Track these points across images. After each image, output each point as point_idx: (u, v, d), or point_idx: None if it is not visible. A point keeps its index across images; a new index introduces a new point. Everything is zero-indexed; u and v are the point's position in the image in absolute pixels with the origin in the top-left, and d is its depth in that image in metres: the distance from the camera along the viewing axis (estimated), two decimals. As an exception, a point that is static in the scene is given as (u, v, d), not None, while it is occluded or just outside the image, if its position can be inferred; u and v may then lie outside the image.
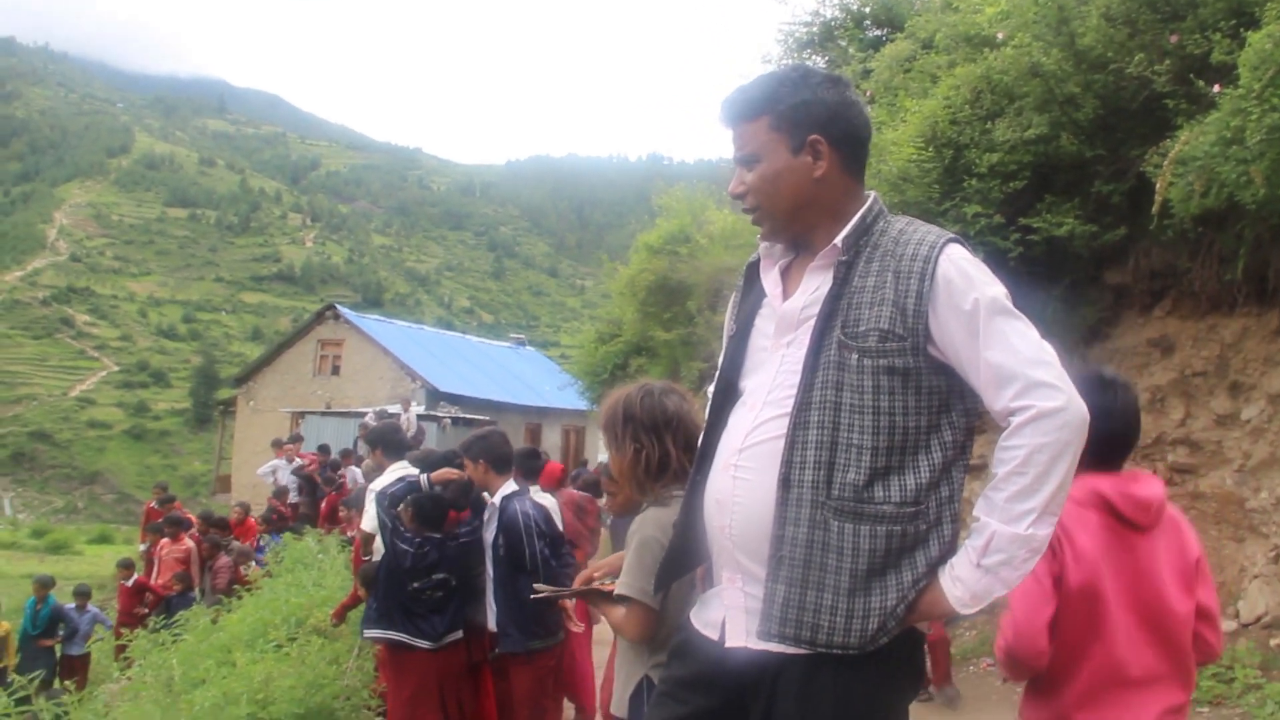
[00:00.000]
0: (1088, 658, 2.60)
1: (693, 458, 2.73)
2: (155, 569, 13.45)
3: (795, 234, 2.33)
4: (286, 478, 16.99)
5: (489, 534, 5.59)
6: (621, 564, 2.91)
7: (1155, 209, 6.81)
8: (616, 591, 2.85)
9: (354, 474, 16.07)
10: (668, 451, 2.93)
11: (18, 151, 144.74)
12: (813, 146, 2.25)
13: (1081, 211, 7.68)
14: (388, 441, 7.21)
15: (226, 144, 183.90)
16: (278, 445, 18.35)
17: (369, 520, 6.37)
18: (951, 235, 2.21)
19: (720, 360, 2.49)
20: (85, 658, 13.57)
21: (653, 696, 2.58)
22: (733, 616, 2.26)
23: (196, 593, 12.70)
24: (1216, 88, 6.55)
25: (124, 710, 7.39)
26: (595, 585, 3.03)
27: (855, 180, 2.31)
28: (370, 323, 39.38)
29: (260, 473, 18.01)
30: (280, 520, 15.62)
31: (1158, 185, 6.78)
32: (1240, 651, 6.69)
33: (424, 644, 5.61)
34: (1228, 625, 6.97)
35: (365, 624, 5.91)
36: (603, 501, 8.37)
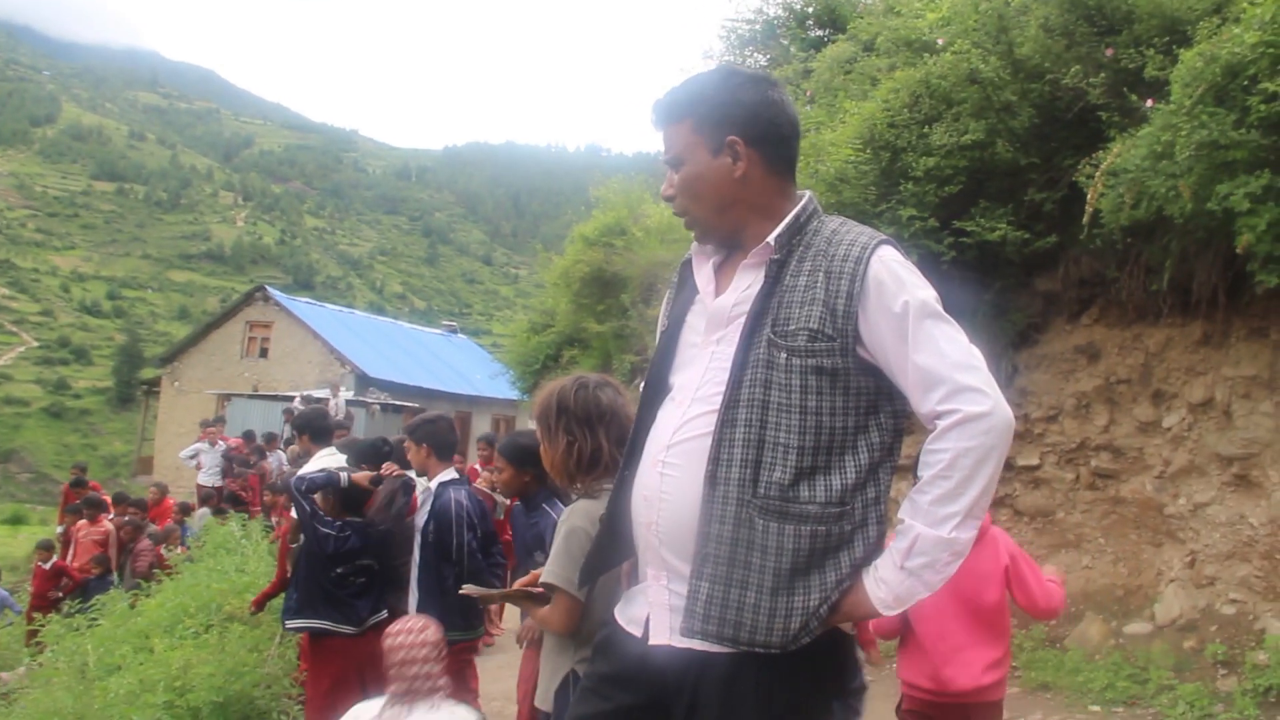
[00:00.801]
0: (922, 631, 4.06)
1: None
2: (72, 551, 13.16)
3: (724, 234, 2.34)
4: (210, 461, 16.70)
5: (420, 518, 5.54)
6: None
7: (1086, 218, 6.93)
8: (542, 580, 2.84)
9: (279, 458, 15.87)
10: (600, 445, 2.95)
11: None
12: (731, 147, 2.26)
13: (1014, 218, 7.78)
14: (315, 427, 7.14)
15: (158, 118, 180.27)
16: (205, 426, 18.05)
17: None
18: (884, 237, 2.22)
19: (652, 355, 2.48)
20: (-11, 643, 13.22)
21: (576, 691, 2.58)
22: (657, 614, 2.26)
23: (115, 576, 12.44)
24: (1149, 102, 6.68)
25: (34, 697, 7.24)
26: (523, 588, 3.01)
27: (783, 179, 2.32)
28: (300, 305, 38.93)
29: (182, 455, 17.67)
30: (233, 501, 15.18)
31: (1089, 195, 6.90)
32: (1155, 653, 6.84)
33: (347, 629, 5.57)
34: (1143, 627, 7.13)
35: (285, 615, 5.83)
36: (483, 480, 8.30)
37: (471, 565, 5.26)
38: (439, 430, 5.64)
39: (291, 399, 22.50)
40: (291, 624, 5.79)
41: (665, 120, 2.34)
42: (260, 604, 7.39)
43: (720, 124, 2.26)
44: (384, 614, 5.69)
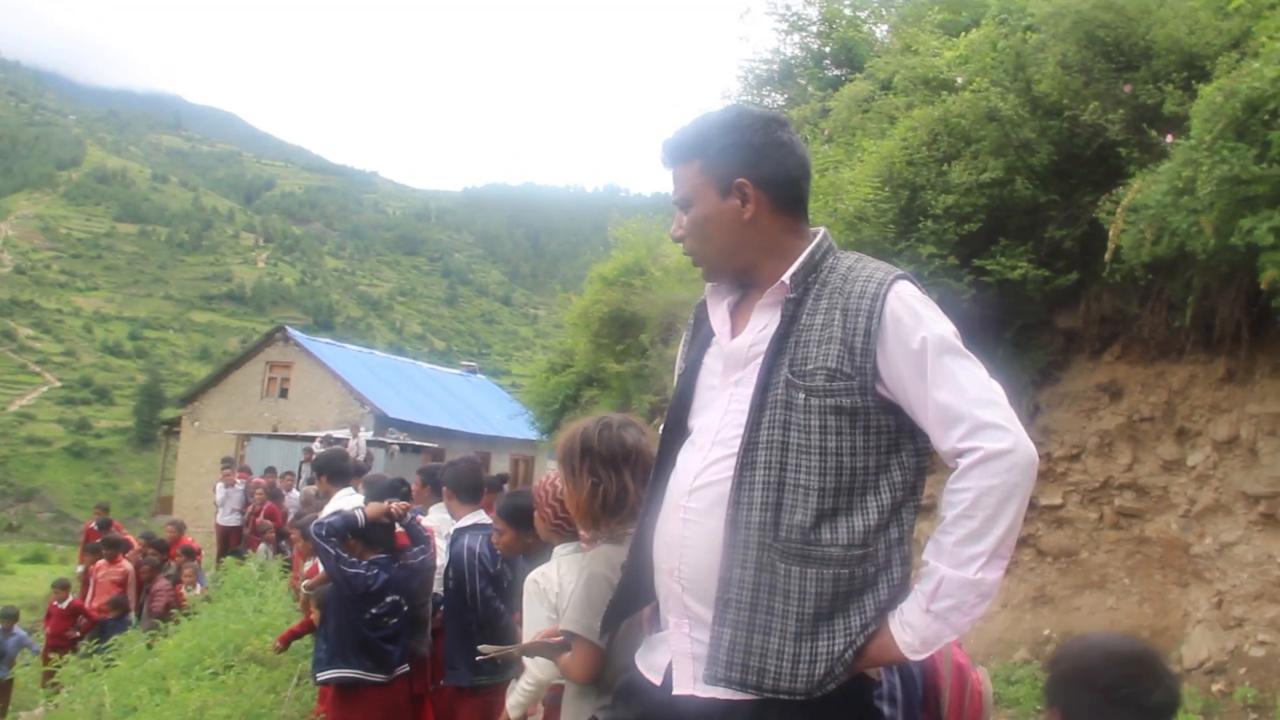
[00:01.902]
0: None
1: None
2: (90, 591, 13.16)
3: (734, 275, 2.32)
4: (228, 502, 16.78)
5: (441, 561, 5.49)
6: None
7: (1107, 255, 6.89)
8: (562, 627, 2.78)
9: (292, 498, 15.90)
10: (625, 486, 2.88)
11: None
12: (739, 189, 2.24)
13: (1034, 256, 7.76)
14: (334, 469, 7.13)
15: (180, 160, 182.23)
16: (224, 467, 18.15)
17: None
18: (901, 272, 2.19)
19: (670, 398, 2.45)
20: (8, 683, 13.20)
21: (596, 738, 2.53)
22: (679, 663, 2.21)
23: (132, 616, 12.43)
24: (1169, 138, 6.66)
25: (51, 738, 7.20)
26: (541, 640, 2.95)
27: (794, 218, 2.30)
28: (320, 346, 39.05)
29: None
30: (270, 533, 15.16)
31: (1110, 232, 6.86)
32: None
33: (378, 678, 5.49)
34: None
35: (316, 667, 5.72)
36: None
37: (486, 613, 5.18)
38: (459, 472, 5.59)
39: (312, 439, 22.52)
40: (323, 676, 5.67)
41: (674, 160, 2.32)
42: (286, 643, 7.32)
43: (728, 166, 2.24)
44: (407, 665, 5.64)
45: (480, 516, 5.48)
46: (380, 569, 5.55)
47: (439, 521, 6.19)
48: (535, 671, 3.65)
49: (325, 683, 5.71)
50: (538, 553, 4.42)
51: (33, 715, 10.39)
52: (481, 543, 5.38)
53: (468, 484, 5.53)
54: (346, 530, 5.52)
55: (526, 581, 3.49)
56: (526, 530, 4.32)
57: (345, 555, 5.52)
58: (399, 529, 5.74)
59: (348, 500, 6.42)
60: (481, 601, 5.21)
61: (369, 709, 5.51)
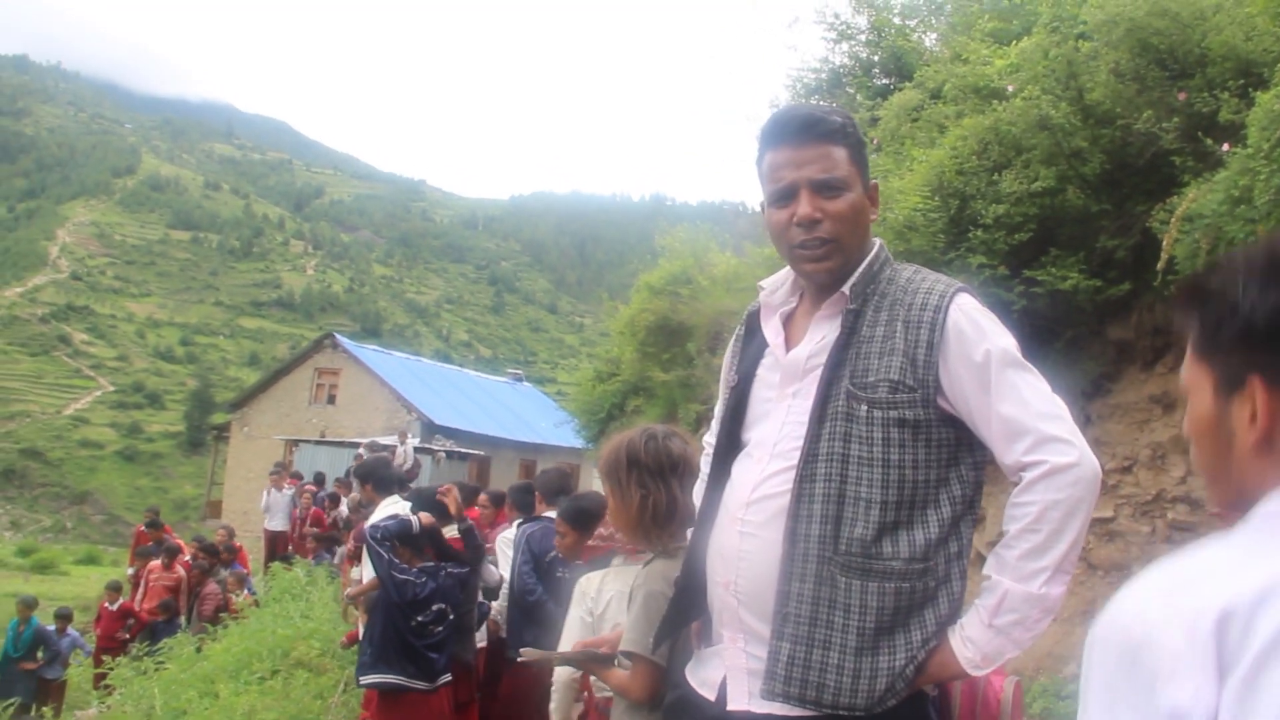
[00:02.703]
0: None
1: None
2: (141, 593, 13.33)
3: (840, 273, 2.22)
4: (277, 506, 16.93)
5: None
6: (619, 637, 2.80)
7: (1161, 265, 6.79)
8: (623, 648, 2.71)
9: (342, 508, 16.02)
10: (674, 497, 2.83)
11: (25, 168, 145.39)
12: (873, 189, 2.26)
13: (1086, 266, 7.66)
14: (378, 477, 7.17)
15: (232, 168, 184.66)
16: (273, 473, 18.33)
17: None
18: (961, 285, 2.18)
19: (720, 410, 2.42)
20: (62, 684, 13.42)
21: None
22: (734, 677, 2.18)
23: (182, 619, 12.58)
24: (1225, 146, 6.55)
25: (103, 739, 7.30)
26: (589, 649, 2.91)
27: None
28: (368, 353, 39.37)
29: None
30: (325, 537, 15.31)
31: (1164, 242, 6.76)
32: None
33: (421, 685, 5.51)
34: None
35: (360, 671, 5.76)
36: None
37: (520, 589, 5.29)
38: (549, 479, 5.97)
39: (358, 445, 22.69)
40: (365, 680, 5.71)
41: (825, 138, 2.19)
42: (353, 640, 7.33)
43: (864, 163, 2.24)
44: (447, 678, 5.65)
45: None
46: (428, 577, 5.58)
47: (502, 541, 6.39)
48: (560, 675, 3.60)
49: (368, 687, 5.76)
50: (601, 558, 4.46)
51: (87, 715, 10.53)
52: (538, 531, 5.50)
53: (554, 488, 5.84)
54: (400, 536, 5.57)
55: (576, 584, 3.48)
56: (588, 533, 4.34)
57: (397, 561, 5.56)
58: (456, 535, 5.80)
59: (394, 508, 6.46)
60: (518, 578, 5.30)
61: (412, 715, 5.53)
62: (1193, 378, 1.28)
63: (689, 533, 2.48)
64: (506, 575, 6.12)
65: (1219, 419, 1.21)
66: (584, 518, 4.43)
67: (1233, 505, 1.20)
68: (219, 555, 14.22)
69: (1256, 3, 7.00)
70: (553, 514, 5.65)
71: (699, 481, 2.53)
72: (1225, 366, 1.19)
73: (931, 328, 2.08)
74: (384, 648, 5.55)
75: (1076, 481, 1.96)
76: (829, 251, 2.19)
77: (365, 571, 6.57)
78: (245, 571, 14.00)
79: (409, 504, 6.53)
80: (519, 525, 5.89)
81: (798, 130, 2.20)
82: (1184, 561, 1.09)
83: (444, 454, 27.94)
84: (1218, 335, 1.21)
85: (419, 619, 5.51)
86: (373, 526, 5.76)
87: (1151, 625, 1.01)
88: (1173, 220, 6.73)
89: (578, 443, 20.76)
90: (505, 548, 6.51)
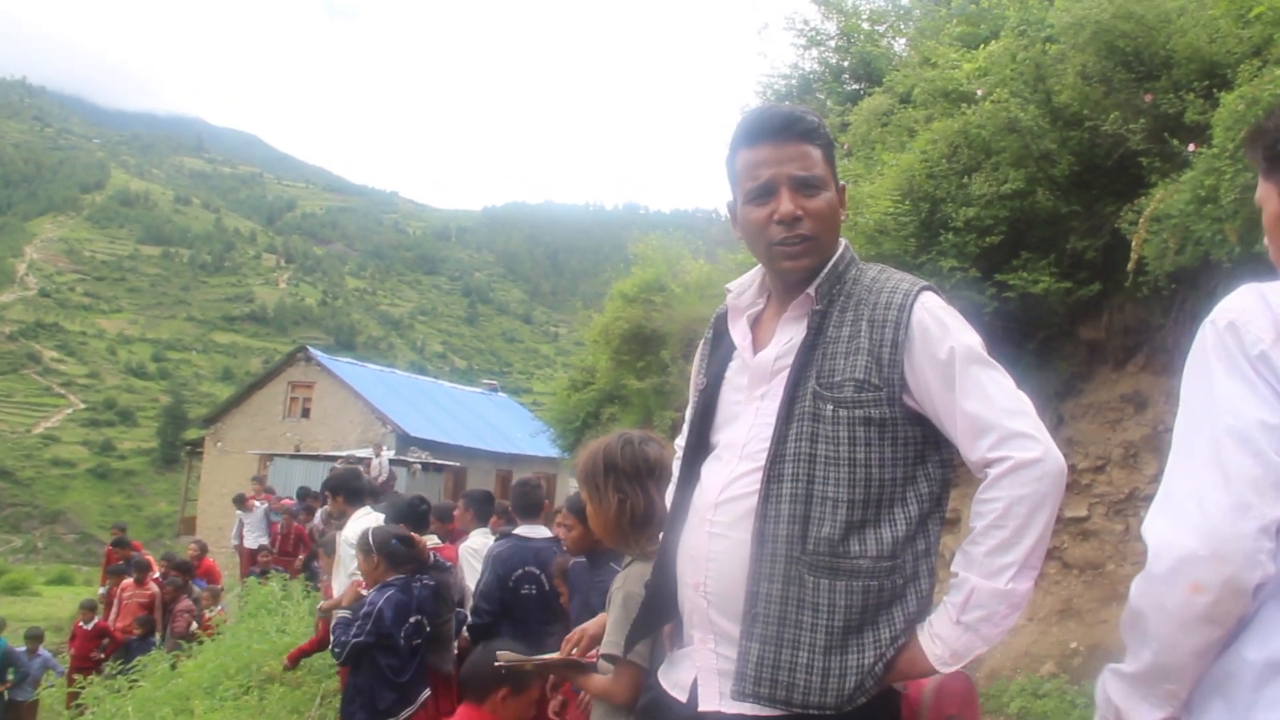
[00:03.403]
0: None
1: None
2: (115, 611, 13.21)
3: (812, 273, 2.23)
4: (251, 524, 16.83)
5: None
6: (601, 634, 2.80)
7: (1130, 265, 6.84)
8: (605, 652, 2.69)
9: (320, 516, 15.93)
10: (652, 500, 2.84)
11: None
12: (842, 191, 2.26)
13: (1056, 268, 7.71)
14: (349, 488, 7.16)
15: (202, 183, 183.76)
16: (242, 497, 18.14)
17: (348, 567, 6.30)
18: (925, 283, 2.18)
19: (689, 413, 2.42)
20: (33, 705, 13.28)
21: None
22: (705, 679, 2.18)
23: (157, 637, 12.46)
24: (1191, 147, 6.61)
25: (75, 759, 7.22)
26: (569, 656, 2.87)
27: None
28: (342, 366, 39.19)
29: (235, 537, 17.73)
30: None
31: (1133, 242, 6.81)
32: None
33: (405, 712, 5.45)
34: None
35: None
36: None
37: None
38: (522, 494, 5.90)
39: (334, 459, 22.58)
40: None
41: (803, 137, 2.20)
42: (295, 660, 7.30)
43: (835, 164, 2.25)
44: (426, 693, 5.60)
45: (535, 529, 5.67)
46: (396, 589, 5.51)
47: (481, 545, 6.32)
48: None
49: None
50: (601, 551, 4.48)
51: (57, 736, 10.42)
52: (507, 550, 5.49)
53: (527, 503, 5.79)
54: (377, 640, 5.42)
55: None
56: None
57: (381, 630, 5.41)
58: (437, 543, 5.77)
59: (365, 519, 6.43)
60: (475, 597, 5.33)
61: None
62: (1263, 193, 1.84)
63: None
64: (470, 586, 6.05)
65: None
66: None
67: None
68: (192, 572, 14.10)
69: (1219, 5, 7.08)
70: (523, 531, 5.62)
71: (670, 485, 2.53)
72: None
73: (896, 326, 2.09)
74: (370, 698, 5.47)
75: (1042, 477, 1.97)
76: (807, 249, 2.20)
77: (337, 583, 6.52)
78: (219, 586, 13.87)
79: (382, 515, 6.50)
80: (495, 539, 5.81)
81: (778, 128, 2.20)
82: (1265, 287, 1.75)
83: (419, 466, 27.82)
84: (1274, 156, 1.77)
85: (402, 636, 5.45)
86: (336, 644, 5.53)
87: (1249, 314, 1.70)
88: (1141, 220, 6.80)
89: (554, 452, 20.75)
90: (470, 558, 6.47)
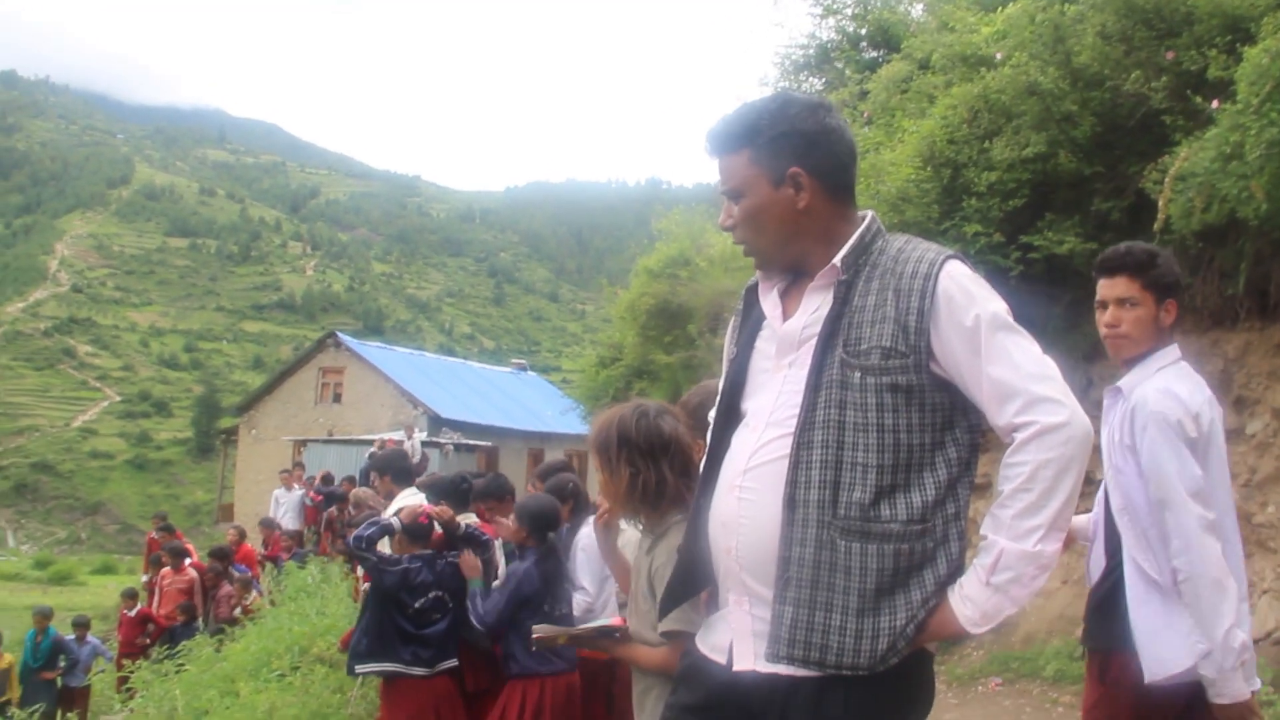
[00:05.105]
0: None
1: (688, 483, 2.70)
2: (157, 599, 13.39)
3: (787, 263, 2.31)
4: (288, 505, 16.99)
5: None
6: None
7: (1157, 225, 6.80)
8: (663, 629, 2.63)
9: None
10: (664, 477, 2.84)
11: (19, 184, 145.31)
12: (793, 179, 2.22)
13: (1081, 229, 7.67)
14: (396, 468, 7.18)
15: (226, 173, 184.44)
16: (284, 473, 18.38)
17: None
18: (951, 252, 2.20)
19: (721, 384, 2.47)
20: (86, 690, 13.53)
21: (660, 724, 2.53)
22: (740, 640, 2.23)
23: (200, 622, 12.64)
24: (1215, 103, 6.56)
25: (127, 742, 7.36)
26: (600, 624, 2.89)
27: (844, 204, 2.29)
28: (371, 350, 39.36)
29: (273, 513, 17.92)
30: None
31: (1159, 202, 6.78)
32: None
33: (418, 671, 5.53)
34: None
35: (354, 659, 5.75)
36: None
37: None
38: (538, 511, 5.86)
39: (368, 443, 22.73)
40: (361, 669, 5.73)
41: (721, 150, 2.29)
42: (347, 643, 7.39)
43: (780, 155, 2.22)
44: (454, 661, 5.66)
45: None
46: (422, 565, 5.59)
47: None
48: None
49: (364, 674, 5.78)
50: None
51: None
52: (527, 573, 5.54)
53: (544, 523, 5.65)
54: (384, 537, 5.58)
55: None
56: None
57: (385, 556, 5.57)
58: (438, 530, 5.77)
59: (411, 499, 6.48)
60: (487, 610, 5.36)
61: (417, 701, 5.55)
62: None
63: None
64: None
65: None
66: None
67: None
68: (230, 558, 14.26)
69: (1241, -43, 7.00)
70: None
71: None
72: None
73: (922, 295, 2.11)
74: (378, 637, 5.57)
75: (1068, 440, 2.01)
76: (747, 252, 2.34)
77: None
78: (251, 575, 14.00)
79: (423, 496, 6.56)
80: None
81: (706, 148, 2.34)
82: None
83: (451, 446, 27.94)
84: None
85: (416, 605, 5.52)
86: (355, 537, 5.71)
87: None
88: (1166, 180, 6.75)
89: (584, 429, 20.81)
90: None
